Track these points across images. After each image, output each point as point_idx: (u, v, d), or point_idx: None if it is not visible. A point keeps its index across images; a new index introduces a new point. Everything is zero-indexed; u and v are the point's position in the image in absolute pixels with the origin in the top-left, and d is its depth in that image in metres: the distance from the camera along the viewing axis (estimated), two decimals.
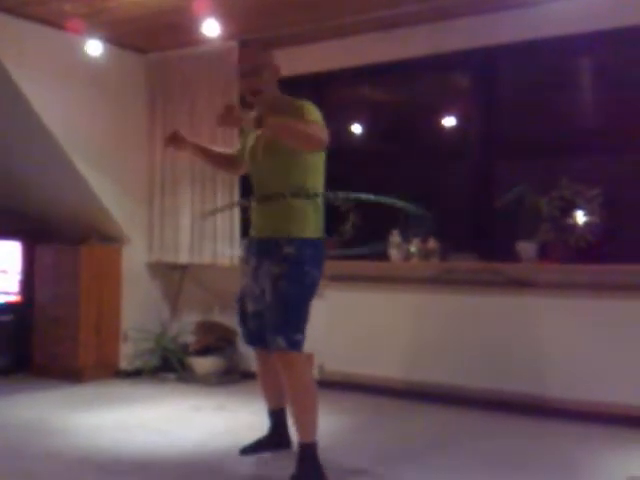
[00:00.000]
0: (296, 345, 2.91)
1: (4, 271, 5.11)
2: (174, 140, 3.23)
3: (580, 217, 3.90)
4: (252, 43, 3.17)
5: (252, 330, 3.14)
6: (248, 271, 3.12)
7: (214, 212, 4.67)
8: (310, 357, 3.04)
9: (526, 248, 4.01)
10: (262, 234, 3.05)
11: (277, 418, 3.31)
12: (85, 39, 4.51)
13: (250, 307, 3.11)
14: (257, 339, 3.12)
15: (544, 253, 3.99)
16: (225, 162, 3.38)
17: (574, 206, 3.89)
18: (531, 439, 3.56)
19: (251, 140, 3.13)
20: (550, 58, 4.17)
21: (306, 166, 2.97)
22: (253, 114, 2.87)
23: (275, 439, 3.30)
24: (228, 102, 3.23)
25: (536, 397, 3.96)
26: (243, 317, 3.18)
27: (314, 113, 2.92)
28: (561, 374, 3.92)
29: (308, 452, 2.93)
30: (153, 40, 4.89)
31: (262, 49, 3.23)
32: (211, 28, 4.22)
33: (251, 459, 3.21)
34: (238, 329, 3.30)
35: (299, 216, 2.96)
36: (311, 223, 2.98)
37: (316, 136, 2.81)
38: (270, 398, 3.30)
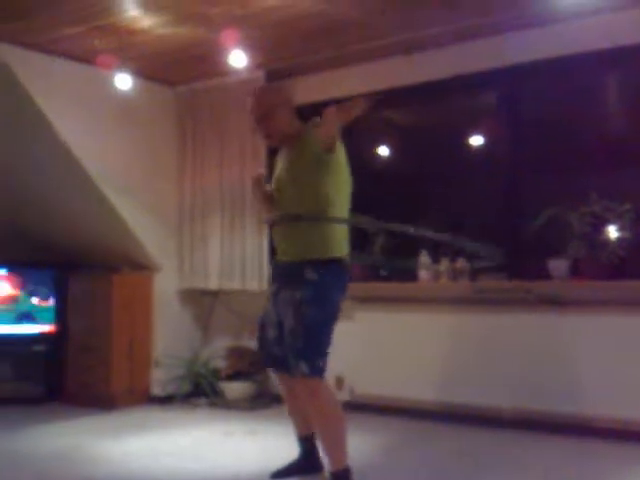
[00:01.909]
0: (318, 371, 2.89)
1: (39, 301, 5.20)
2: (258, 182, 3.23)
3: (611, 233, 3.86)
4: (262, 88, 3.21)
5: (274, 355, 3.12)
6: (270, 296, 3.14)
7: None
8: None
9: (557, 266, 3.98)
10: (286, 258, 3.06)
11: (307, 443, 3.28)
12: (114, 73, 4.61)
13: (270, 333, 3.10)
14: (279, 364, 3.11)
15: (575, 270, 3.95)
16: (269, 202, 3.29)
17: (605, 222, 3.85)
18: (566, 459, 3.50)
19: (277, 171, 3.17)
20: (575, 75, 4.17)
21: (327, 189, 2.96)
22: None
23: (306, 464, 3.28)
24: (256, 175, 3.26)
25: (570, 416, 3.91)
26: (263, 342, 3.18)
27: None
28: (595, 392, 3.87)
29: (341, 478, 2.91)
30: (181, 72, 5.00)
31: (271, 89, 3.28)
32: (238, 59, 4.31)
33: None
34: (259, 353, 3.27)
35: (323, 242, 2.96)
36: (333, 245, 2.97)
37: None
38: (298, 424, 3.28)
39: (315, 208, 2.96)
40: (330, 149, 2.92)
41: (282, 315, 3.00)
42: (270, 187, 3.20)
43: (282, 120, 3.06)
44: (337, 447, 2.94)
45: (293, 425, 3.30)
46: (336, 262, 2.98)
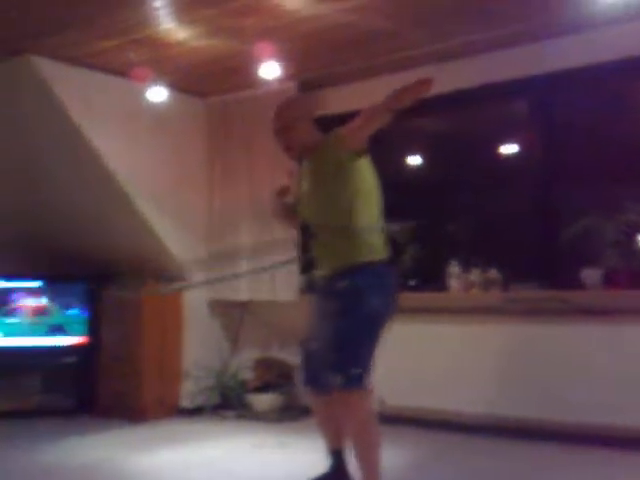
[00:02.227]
0: (354, 381, 2.81)
1: (69, 313, 5.25)
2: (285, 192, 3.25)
3: None
4: (279, 104, 3.26)
5: (315, 371, 3.05)
6: (312, 310, 3.11)
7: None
8: (368, 392, 2.92)
9: (591, 275, 3.94)
10: (322, 272, 3.05)
11: (337, 457, 3.21)
12: (149, 86, 4.68)
13: (312, 347, 3.06)
14: (319, 381, 3.04)
15: (609, 280, 3.91)
16: (291, 215, 3.32)
17: (639, 230, 3.81)
18: (608, 473, 3.43)
19: (303, 184, 3.15)
20: (608, 82, 4.15)
21: (353, 196, 2.94)
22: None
23: (336, 477, 3.20)
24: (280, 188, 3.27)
25: (607, 428, 3.83)
26: (306, 358, 3.13)
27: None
28: (631, 403, 3.79)
29: None
30: (213, 84, 5.05)
31: (291, 102, 3.30)
32: (270, 70, 4.35)
33: None
34: (300, 370, 3.22)
35: (355, 248, 2.92)
36: (364, 250, 2.92)
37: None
38: (329, 437, 3.21)
39: (339, 216, 2.94)
40: (356, 150, 2.89)
41: (321, 329, 2.97)
42: (291, 199, 3.21)
43: (302, 132, 3.06)
44: (369, 460, 2.89)
45: (324, 438, 3.24)
46: (369, 266, 2.92)
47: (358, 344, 2.86)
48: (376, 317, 2.90)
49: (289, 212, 3.30)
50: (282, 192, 3.24)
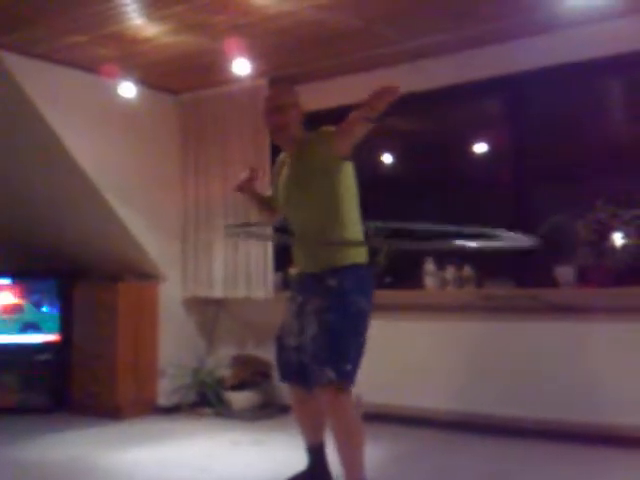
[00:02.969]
0: (346, 376, 2.83)
1: (42, 311, 5.20)
2: (247, 184, 3.22)
3: (618, 240, 3.85)
4: (280, 80, 3.23)
5: (291, 365, 3.06)
6: (292, 308, 3.09)
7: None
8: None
9: (564, 273, 3.97)
10: (306, 269, 3.06)
11: (316, 454, 3.22)
12: (118, 82, 4.61)
13: (291, 342, 3.05)
14: (295, 374, 3.06)
15: (582, 277, 3.94)
16: (265, 210, 3.34)
17: (611, 229, 3.85)
18: (576, 467, 3.47)
19: (282, 181, 3.14)
20: (580, 82, 4.16)
21: (339, 196, 2.95)
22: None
23: (314, 473, 3.22)
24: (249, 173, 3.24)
25: (578, 424, 3.88)
26: (281, 353, 3.13)
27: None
28: (603, 399, 3.84)
29: None
30: (184, 81, 5.00)
31: (290, 87, 3.25)
32: (241, 67, 4.31)
33: None
34: (275, 366, 3.22)
35: (340, 249, 2.95)
36: (352, 254, 2.95)
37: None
38: (308, 433, 3.22)
39: (332, 208, 2.94)
40: (341, 155, 2.91)
41: (306, 325, 2.95)
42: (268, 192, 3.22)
43: (293, 120, 3.04)
44: (355, 459, 2.90)
45: (302, 434, 3.25)
46: (356, 268, 2.95)
47: (348, 340, 2.88)
48: (363, 315, 2.94)
49: (263, 207, 3.30)
50: (242, 185, 3.21)
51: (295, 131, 3.06)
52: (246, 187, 3.24)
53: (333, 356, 2.83)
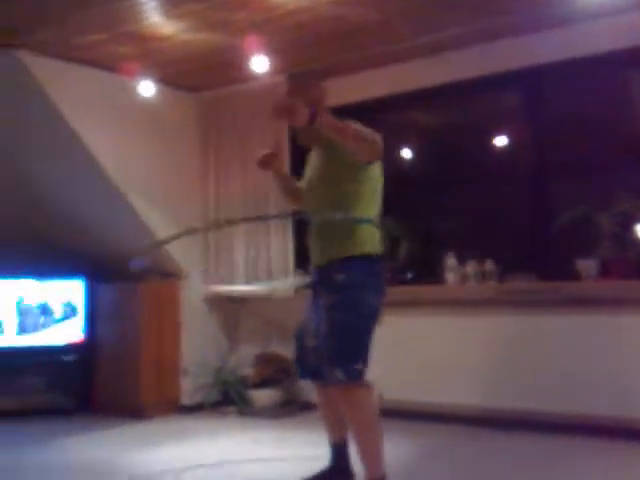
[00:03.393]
0: (355, 375, 2.81)
1: (68, 312, 5.24)
2: (270, 159, 3.15)
3: None
4: (300, 75, 3.21)
5: (310, 365, 3.04)
6: (309, 304, 3.08)
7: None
8: (370, 388, 2.91)
9: (586, 266, 3.92)
10: (317, 263, 3.02)
11: (339, 450, 3.21)
12: (137, 80, 4.64)
13: (309, 342, 3.03)
14: (315, 374, 3.04)
15: (605, 270, 3.89)
16: (293, 193, 3.29)
17: (634, 220, 3.79)
18: (607, 462, 3.43)
19: (309, 170, 3.13)
20: (600, 74, 4.12)
21: (359, 195, 2.91)
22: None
23: (337, 471, 3.21)
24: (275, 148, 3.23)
25: (601, 418, 3.84)
26: (301, 352, 3.10)
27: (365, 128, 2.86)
28: (629, 393, 3.79)
29: None
30: (204, 79, 5.01)
31: (312, 82, 3.18)
32: (260, 64, 4.31)
33: None
34: (294, 364, 3.19)
35: (349, 238, 2.88)
36: (360, 241, 2.88)
37: (377, 143, 2.77)
38: (331, 430, 3.21)
39: (340, 206, 2.89)
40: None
41: (320, 323, 2.93)
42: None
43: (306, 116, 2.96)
44: (373, 454, 2.88)
45: (326, 431, 3.24)
46: (365, 260, 2.88)
47: (357, 339, 2.85)
48: (372, 312, 2.89)
49: (289, 189, 3.26)
50: (265, 160, 3.15)
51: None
52: (271, 163, 3.17)
53: (342, 356, 2.81)
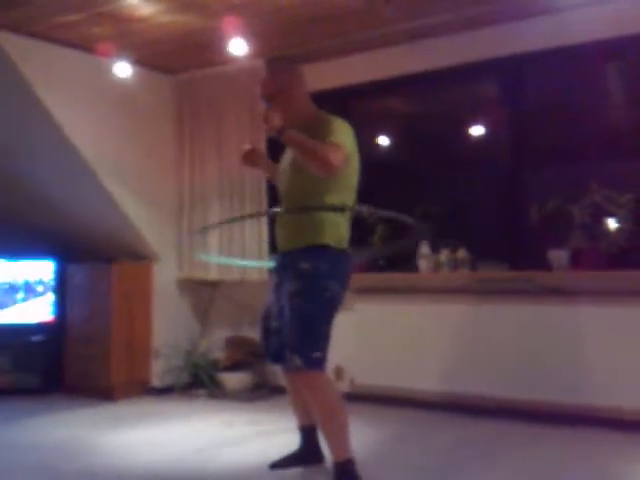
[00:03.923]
0: (315, 364, 2.84)
1: (38, 291, 5.19)
2: (251, 156, 3.16)
3: (612, 223, 3.86)
4: (275, 62, 3.18)
5: (275, 348, 3.07)
6: (273, 288, 3.10)
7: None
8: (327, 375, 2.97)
9: (558, 256, 3.97)
10: (282, 248, 3.03)
11: (307, 434, 3.27)
12: (113, 61, 4.58)
13: (273, 324, 3.06)
14: (280, 357, 3.06)
15: (576, 260, 3.94)
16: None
17: (605, 212, 3.85)
18: (567, 449, 3.49)
19: (286, 155, 3.13)
20: (577, 64, 4.15)
21: (334, 182, 2.91)
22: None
23: (306, 454, 3.27)
24: (252, 144, 3.22)
25: (570, 406, 3.91)
26: (267, 334, 3.12)
27: (340, 133, 2.86)
28: (596, 382, 3.87)
29: (344, 470, 2.90)
30: (180, 60, 4.97)
31: (284, 68, 3.19)
32: (238, 47, 4.28)
33: (281, 474, 3.18)
34: (263, 349, 3.21)
35: (315, 227, 2.89)
36: (329, 234, 2.89)
37: (329, 164, 2.72)
38: (300, 415, 3.26)
39: (322, 194, 2.89)
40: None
41: (284, 308, 2.95)
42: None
43: (296, 100, 3.00)
44: (339, 438, 2.92)
45: (294, 415, 3.29)
46: (330, 249, 2.89)
47: (318, 328, 2.87)
48: (334, 301, 2.91)
49: (270, 165, 3.28)
50: (249, 158, 3.16)
51: (298, 112, 3.01)
52: (254, 160, 3.18)
53: (302, 344, 2.84)
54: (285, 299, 2.91)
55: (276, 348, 3.05)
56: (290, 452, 3.28)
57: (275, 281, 3.08)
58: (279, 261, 3.06)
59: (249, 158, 3.16)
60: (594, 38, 3.94)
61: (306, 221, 2.92)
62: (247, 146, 3.20)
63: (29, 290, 5.19)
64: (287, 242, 2.98)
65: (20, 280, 5.18)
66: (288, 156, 3.09)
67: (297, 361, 2.83)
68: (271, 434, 3.89)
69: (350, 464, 2.91)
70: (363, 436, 3.63)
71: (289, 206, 3.02)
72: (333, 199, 2.91)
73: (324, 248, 2.89)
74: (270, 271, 3.23)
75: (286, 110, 2.95)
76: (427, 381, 4.38)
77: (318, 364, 2.85)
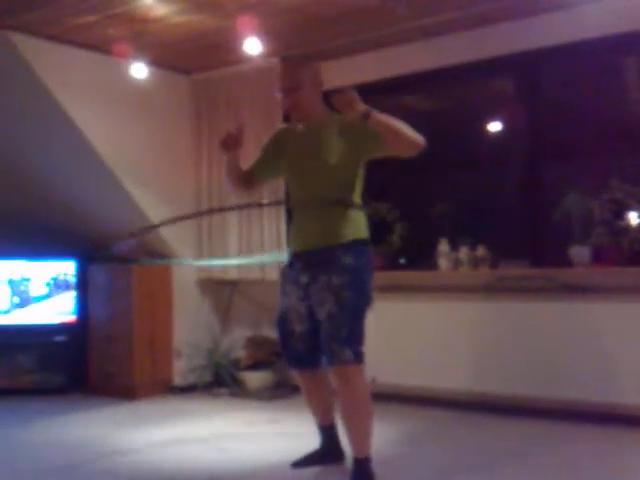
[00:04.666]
0: (361, 357, 2.88)
1: (60, 292, 5.24)
2: (231, 140, 3.09)
3: (633, 219, 3.80)
4: (292, 58, 3.17)
5: (300, 352, 3.05)
6: (293, 290, 3.03)
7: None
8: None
9: (579, 253, 3.93)
10: (313, 244, 2.96)
11: (328, 433, 3.27)
12: (130, 62, 4.59)
13: (297, 328, 3.03)
14: (305, 361, 3.07)
15: (598, 257, 3.89)
16: (243, 180, 3.24)
17: (626, 208, 3.80)
18: (593, 448, 3.46)
19: (294, 152, 3.08)
20: (595, 59, 4.09)
21: (358, 181, 2.99)
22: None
23: (327, 453, 3.27)
24: (234, 128, 3.11)
25: (595, 404, 3.87)
26: (288, 339, 3.08)
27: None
28: (620, 379, 3.82)
29: (364, 466, 2.91)
30: (196, 60, 4.97)
31: (303, 64, 3.16)
32: (253, 46, 4.26)
33: (301, 472, 3.18)
34: (283, 353, 3.17)
35: (354, 222, 2.94)
36: (364, 229, 2.98)
37: (419, 140, 2.82)
38: (320, 414, 3.25)
39: (339, 191, 2.93)
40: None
41: (316, 305, 2.92)
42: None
43: (307, 99, 2.99)
44: (366, 434, 2.93)
45: (314, 415, 3.28)
46: (364, 244, 2.96)
47: (363, 321, 2.91)
48: (371, 296, 2.95)
49: (241, 177, 3.21)
50: (230, 142, 3.08)
51: (311, 109, 3.01)
52: (234, 146, 3.10)
53: (351, 336, 2.84)
54: (327, 295, 2.86)
55: (301, 352, 3.04)
56: (311, 451, 3.29)
57: (304, 282, 2.98)
58: (307, 258, 2.98)
59: (229, 142, 3.09)
60: (610, 32, 3.88)
61: (344, 216, 2.93)
62: (233, 130, 3.10)
63: (51, 290, 5.23)
64: (324, 237, 2.94)
65: (42, 280, 5.22)
66: (310, 149, 3.01)
67: (348, 354, 2.82)
68: (291, 433, 3.89)
69: (369, 461, 2.93)
70: (385, 435, 3.62)
71: (318, 199, 2.97)
72: (359, 197, 2.99)
73: (362, 243, 2.95)
74: (284, 273, 3.14)
75: (302, 106, 2.98)
76: (449, 380, 4.36)
77: (363, 357, 2.89)
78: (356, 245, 2.92)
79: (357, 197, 2.99)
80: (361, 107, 2.74)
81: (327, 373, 3.10)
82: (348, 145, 2.92)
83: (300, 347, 3.05)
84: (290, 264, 3.09)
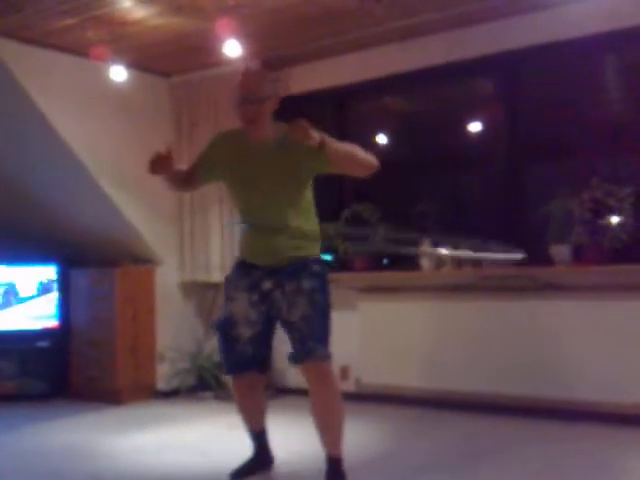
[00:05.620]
0: (330, 354, 2.94)
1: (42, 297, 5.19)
2: (163, 161, 2.95)
3: (613, 218, 3.84)
4: (256, 66, 3.10)
5: (247, 356, 3.03)
6: (242, 296, 2.99)
7: None
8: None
9: (559, 251, 3.96)
10: (277, 260, 2.96)
11: (261, 439, 3.30)
12: (109, 65, 4.56)
13: (246, 332, 3.00)
14: (251, 364, 3.07)
15: (578, 256, 3.93)
16: (182, 181, 3.21)
17: (606, 207, 3.83)
18: (569, 445, 3.49)
19: (245, 164, 3.00)
20: (573, 59, 4.13)
21: (309, 195, 3.06)
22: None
23: (263, 459, 3.29)
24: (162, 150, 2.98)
25: (573, 402, 3.91)
26: (234, 344, 3.03)
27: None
28: (598, 377, 3.86)
29: (339, 466, 2.93)
30: (175, 63, 4.96)
31: (270, 74, 3.09)
32: (233, 48, 4.24)
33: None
34: (223, 359, 3.14)
35: (318, 238, 3.08)
36: (319, 245, 3.10)
37: (374, 163, 2.93)
38: (254, 420, 3.27)
39: (298, 215, 2.99)
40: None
41: (285, 308, 2.93)
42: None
43: (266, 111, 2.93)
44: (341, 433, 2.96)
45: (247, 422, 3.27)
46: (321, 259, 3.09)
47: (330, 322, 2.97)
48: (331, 300, 3.04)
49: (176, 179, 3.19)
50: (159, 164, 2.95)
51: (267, 121, 2.96)
52: (164, 167, 2.97)
53: (325, 336, 2.93)
54: (299, 297, 2.90)
55: (248, 356, 3.03)
56: (248, 460, 3.26)
57: (264, 288, 2.97)
58: (273, 269, 2.96)
59: (159, 164, 2.96)
60: (589, 32, 3.91)
61: (312, 234, 3.05)
62: (161, 152, 2.96)
63: (33, 296, 5.19)
64: (294, 250, 2.97)
65: (23, 285, 5.17)
66: (260, 168, 2.97)
67: (321, 350, 2.88)
68: (275, 436, 3.87)
69: (342, 461, 2.95)
70: (369, 435, 3.64)
71: (276, 219, 2.97)
72: (312, 210, 3.10)
73: (319, 258, 3.08)
74: (230, 280, 3.09)
75: (262, 118, 2.93)
76: (433, 379, 4.38)
77: (331, 355, 2.94)
78: (320, 259, 3.05)
79: (312, 214, 3.07)
80: (315, 137, 2.70)
81: (261, 379, 3.19)
82: (299, 163, 2.91)
83: (248, 351, 3.03)
84: (240, 271, 3.07)
